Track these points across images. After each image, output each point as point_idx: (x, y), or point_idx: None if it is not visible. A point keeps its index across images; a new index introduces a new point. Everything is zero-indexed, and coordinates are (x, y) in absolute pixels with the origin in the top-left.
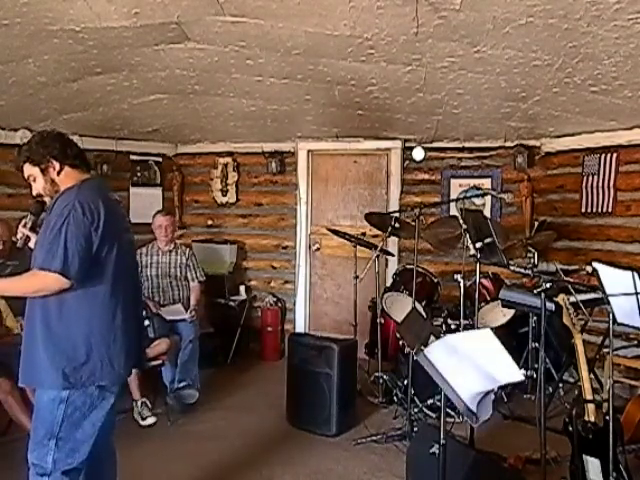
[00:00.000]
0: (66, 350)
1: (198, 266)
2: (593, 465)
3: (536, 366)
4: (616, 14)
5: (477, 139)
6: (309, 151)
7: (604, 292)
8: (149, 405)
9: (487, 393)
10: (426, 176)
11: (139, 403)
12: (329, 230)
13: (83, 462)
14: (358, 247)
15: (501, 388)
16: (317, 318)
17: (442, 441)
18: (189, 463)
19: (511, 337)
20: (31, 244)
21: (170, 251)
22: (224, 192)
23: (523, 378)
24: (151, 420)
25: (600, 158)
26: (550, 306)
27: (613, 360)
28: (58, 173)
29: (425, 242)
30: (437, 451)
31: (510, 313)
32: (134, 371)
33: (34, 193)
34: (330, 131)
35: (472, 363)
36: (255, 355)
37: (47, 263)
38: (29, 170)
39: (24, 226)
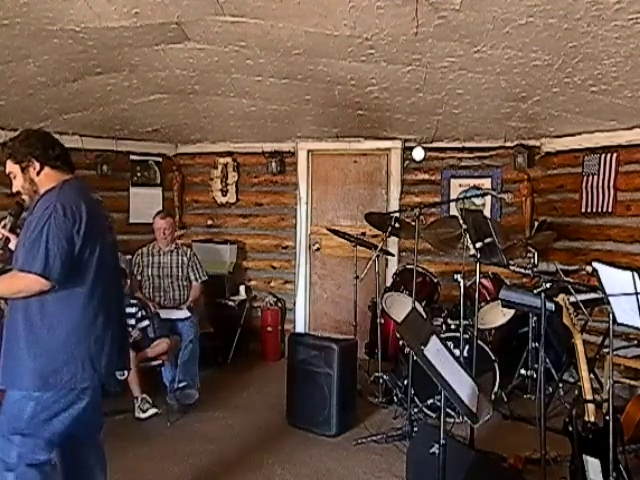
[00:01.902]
0: (49, 351)
1: (201, 266)
2: (593, 465)
3: (536, 366)
4: (616, 14)
5: (477, 139)
6: (309, 151)
7: (604, 292)
8: (149, 400)
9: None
10: (426, 176)
11: (140, 399)
12: (329, 230)
13: (50, 458)
14: (358, 247)
15: (501, 388)
16: (317, 318)
17: (442, 441)
18: (189, 463)
19: (511, 337)
20: (11, 246)
21: (171, 251)
22: (224, 192)
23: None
24: (152, 411)
25: (600, 158)
26: (550, 306)
27: (613, 360)
28: (38, 173)
29: (425, 242)
30: (437, 451)
31: (510, 313)
32: (133, 370)
33: (14, 190)
34: (330, 131)
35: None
36: (255, 355)
37: (28, 264)
38: (10, 167)
39: (3, 227)
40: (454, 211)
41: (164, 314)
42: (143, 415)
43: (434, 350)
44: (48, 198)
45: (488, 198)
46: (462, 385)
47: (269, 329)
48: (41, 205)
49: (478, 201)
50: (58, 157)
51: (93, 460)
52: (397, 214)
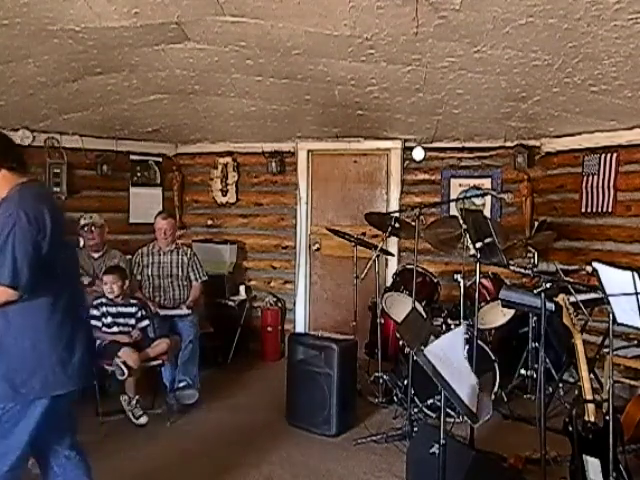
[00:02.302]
0: (17, 361)
1: (201, 266)
2: (593, 465)
3: (536, 366)
4: (616, 14)
5: (477, 139)
6: (309, 151)
7: (604, 292)
8: (141, 403)
9: (484, 390)
10: (426, 176)
11: (133, 402)
12: (329, 230)
13: (16, 466)
14: (358, 247)
15: (501, 388)
16: (317, 318)
17: (442, 441)
18: (189, 463)
19: (511, 337)
20: None
21: (171, 251)
22: (224, 192)
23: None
24: (143, 420)
25: (600, 158)
26: (550, 306)
27: (613, 360)
28: None
29: (425, 242)
30: (437, 451)
31: (510, 313)
32: (135, 371)
33: None
34: (330, 131)
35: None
36: (255, 355)
37: None
38: None
39: None
40: (454, 211)
41: (164, 312)
42: (136, 422)
43: (435, 350)
44: (8, 205)
45: (488, 198)
46: (462, 385)
47: (269, 329)
48: (2, 212)
49: (478, 201)
50: (15, 159)
51: (69, 463)
52: (397, 214)
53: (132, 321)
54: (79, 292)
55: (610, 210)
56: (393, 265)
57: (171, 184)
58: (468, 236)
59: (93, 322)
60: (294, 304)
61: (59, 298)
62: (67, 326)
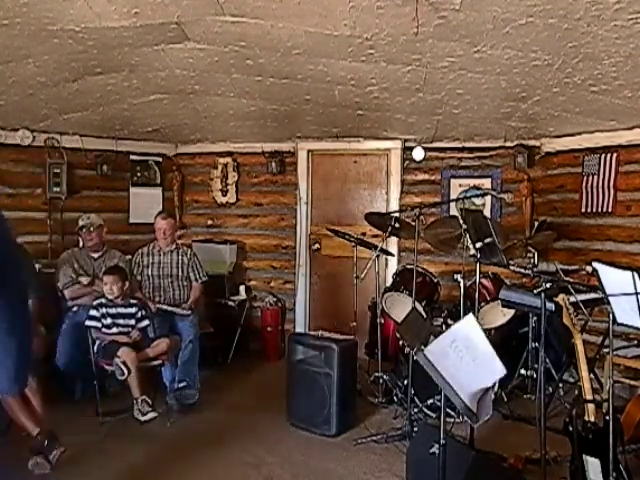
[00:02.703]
0: None
1: (201, 266)
2: (593, 465)
3: (536, 366)
4: (616, 14)
5: (477, 139)
6: (309, 151)
7: (604, 292)
8: (149, 402)
9: (487, 391)
10: (426, 176)
11: (139, 401)
12: (329, 230)
13: None
14: (358, 247)
15: (501, 388)
16: (317, 318)
17: (442, 441)
18: (189, 463)
19: (511, 337)
20: None
21: (171, 251)
22: (224, 192)
23: (504, 373)
24: (151, 415)
25: (600, 158)
26: (550, 306)
27: (613, 360)
28: None
29: (425, 242)
30: (437, 451)
31: (510, 313)
32: (133, 370)
33: None
34: (330, 131)
35: (468, 357)
36: (255, 355)
37: None
38: None
39: None
40: (454, 211)
41: (164, 307)
42: (142, 418)
43: (436, 350)
44: None
45: (488, 198)
46: (462, 385)
47: (269, 329)
48: None
49: (478, 201)
50: None
51: None
52: (397, 214)
53: (132, 321)
54: (23, 298)
55: (610, 210)
56: (393, 265)
57: (171, 184)
58: (468, 236)
59: (93, 323)
60: (294, 304)
61: (4, 306)
62: (11, 334)
